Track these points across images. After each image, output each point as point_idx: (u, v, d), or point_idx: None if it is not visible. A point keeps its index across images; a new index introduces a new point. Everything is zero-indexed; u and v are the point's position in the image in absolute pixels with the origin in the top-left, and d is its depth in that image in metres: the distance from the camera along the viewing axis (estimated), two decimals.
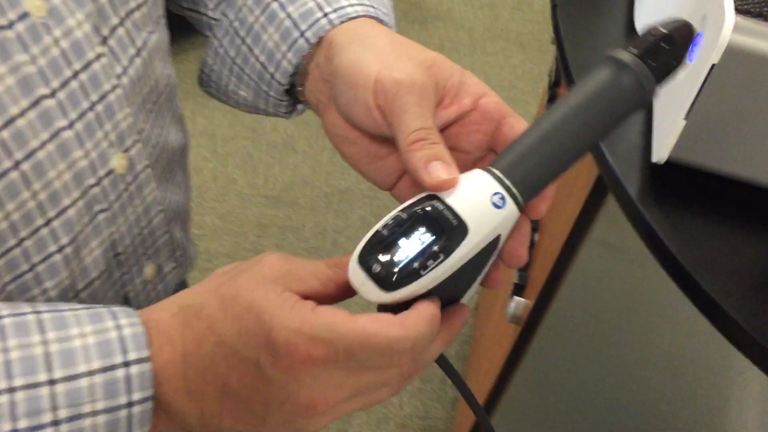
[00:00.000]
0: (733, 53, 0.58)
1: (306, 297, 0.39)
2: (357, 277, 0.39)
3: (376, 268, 0.39)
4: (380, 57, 0.45)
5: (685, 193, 0.67)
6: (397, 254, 0.39)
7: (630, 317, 0.86)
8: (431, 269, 0.38)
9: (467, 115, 0.46)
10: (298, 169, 1.98)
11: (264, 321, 0.37)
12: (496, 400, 1.07)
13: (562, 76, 0.81)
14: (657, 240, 0.65)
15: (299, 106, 0.58)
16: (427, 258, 0.39)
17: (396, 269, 0.38)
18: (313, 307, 0.38)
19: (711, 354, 0.65)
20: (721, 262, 0.63)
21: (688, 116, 0.62)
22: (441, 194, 0.40)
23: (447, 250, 0.39)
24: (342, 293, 0.41)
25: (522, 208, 0.41)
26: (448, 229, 0.39)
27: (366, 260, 0.39)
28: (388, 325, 0.37)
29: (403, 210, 0.40)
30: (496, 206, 0.40)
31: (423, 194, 0.41)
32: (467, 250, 0.39)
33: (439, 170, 0.41)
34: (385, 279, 0.38)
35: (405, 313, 0.38)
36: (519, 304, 0.98)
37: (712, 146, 0.64)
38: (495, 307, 1.25)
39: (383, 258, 0.39)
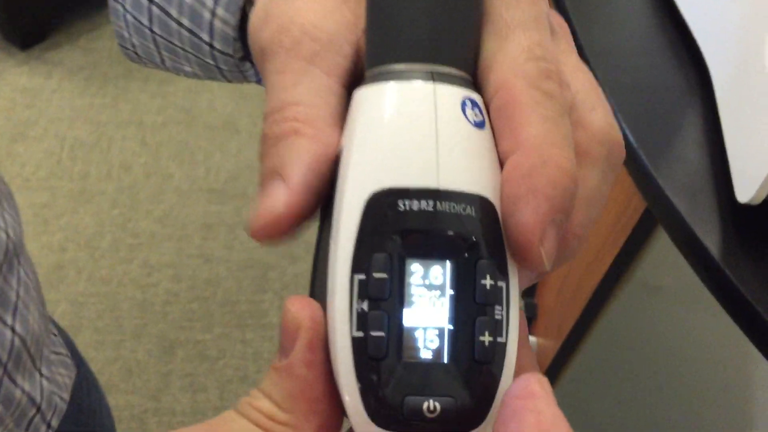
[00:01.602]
0: None
1: None
2: None
3: (431, 406, 0.20)
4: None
5: None
6: (436, 348, 0.20)
7: (678, 371, 0.67)
8: (507, 320, 0.21)
9: None
10: (243, 154, 1.75)
11: None
12: None
13: None
14: (746, 306, 0.45)
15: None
16: (484, 308, 0.21)
17: (468, 377, 0.20)
18: None
19: None
20: None
21: None
22: (393, 178, 0.21)
23: (498, 267, 0.21)
24: None
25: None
26: (470, 229, 0.21)
27: (394, 415, 0.20)
28: None
29: (358, 266, 0.20)
30: (479, 125, 0.22)
31: (355, 197, 0.21)
32: (503, 236, 0.22)
33: (268, 201, 0.22)
34: (462, 409, 0.20)
35: None
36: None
37: None
38: None
39: (423, 379, 0.20)
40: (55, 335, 0.53)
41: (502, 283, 0.21)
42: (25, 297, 0.44)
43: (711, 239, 0.47)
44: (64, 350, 0.53)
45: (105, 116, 1.78)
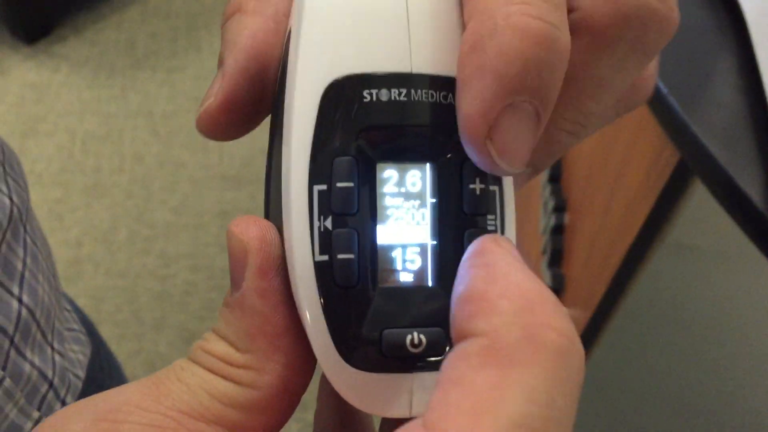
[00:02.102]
0: None
1: None
2: (386, 392, 0.17)
3: (416, 339, 0.17)
4: None
5: None
6: (418, 270, 0.17)
7: (718, 343, 0.63)
8: (502, 231, 0.18)
9: None
10: (256, 138, 1.70)
11: None
12: None
13: None
14: None
15: None
16: (474, 218, 0.17)
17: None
18: None
19: None
20: None
21: None
22: (354, 62, 0.17)
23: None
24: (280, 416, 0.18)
25: None
26: (453, 123, 0.16)
27: (371, 353, 0.17)
28: None
29: (317, 174, 0.17)
30: None
31: (308, 88, 0.17)
32: None
33: (206, 93, 0.19)
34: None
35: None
36: None
37: None
38: None
39: (404, 308, 0.17)
40: (69, 311, 0.50)
41: (494, 188, 0.17)
42: (33, 267, 0.41)
43: (753, 188, 0.43)
44: (77, 326, 0.50)
45: (114, 108, 1.76)
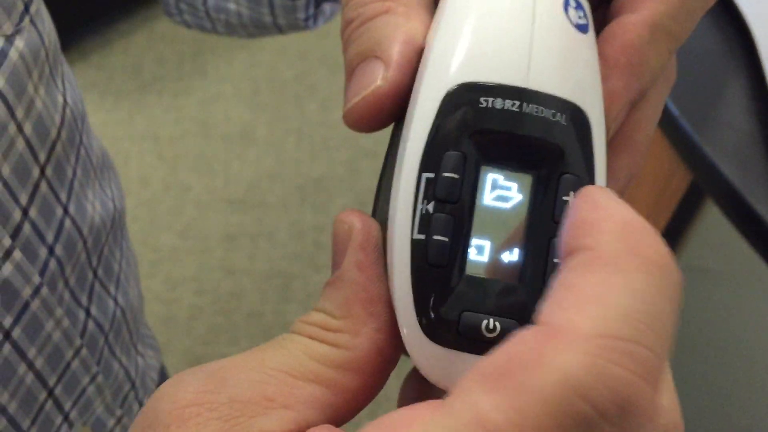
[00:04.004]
0: None
1: None
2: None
3: (491, 325, 0.18)
4: None
5: None
6: (504, 265, 0.19)
7: (730, 366, 0.62)
8: None
9: None
10: (261, 163, 1.73)
11: None
12: None
13: None
14: None
15: (327, 7, 0.39)
16: None
17: (536, 301, 0.19)
18: None
19: None
20: None
21: None
22: (477, 72, 0.19)
23: (584, 185, 0.19)
24: (364, 397, 0.20)
25: None
26: (558, 138, 0.18)
27: (449, 330, 0.19)
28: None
29: (428, 164, 0.19)
30: (581, 28, 0.20)
31: (433, 90, 0.19)
32: (601, 155, 0.20)
33: (365, 80, 0.20)
34: None
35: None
36: None
37: None
38: None
39: (485, 295, 0.19)
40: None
41: None
42: (127, 270, 0.44)
43: (766, 208, 0.43)
44: (150, 332, 0.53)
45: (120, 132, 1.77)
